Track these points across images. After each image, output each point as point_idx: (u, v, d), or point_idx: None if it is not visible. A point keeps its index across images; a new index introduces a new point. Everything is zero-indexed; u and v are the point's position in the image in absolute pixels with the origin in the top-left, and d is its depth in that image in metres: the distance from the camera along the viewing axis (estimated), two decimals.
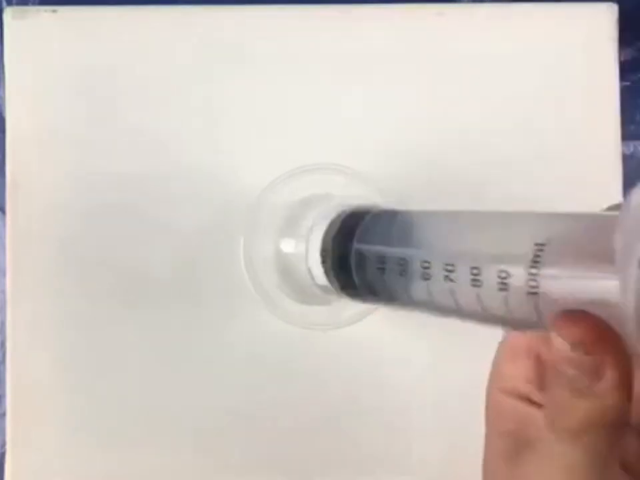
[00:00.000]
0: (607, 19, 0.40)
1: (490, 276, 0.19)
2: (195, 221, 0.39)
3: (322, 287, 0.27)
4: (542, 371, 0.22)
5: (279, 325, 0.35)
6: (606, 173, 0.40)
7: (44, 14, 0.39)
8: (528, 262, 0.18)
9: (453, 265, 0.20)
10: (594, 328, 0.17)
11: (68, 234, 0.39)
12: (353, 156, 0.38)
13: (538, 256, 0.18)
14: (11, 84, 0.39)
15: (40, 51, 0.39)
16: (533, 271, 0.18)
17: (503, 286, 0.19)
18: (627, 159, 0.41)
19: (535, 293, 0.18)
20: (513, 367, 0.23)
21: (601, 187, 0.40)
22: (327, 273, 0.26)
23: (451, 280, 0.20)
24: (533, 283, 0.18)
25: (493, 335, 0.35)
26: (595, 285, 0.16)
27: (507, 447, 0.22)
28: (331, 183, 0.36)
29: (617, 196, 0.40)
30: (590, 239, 0.17)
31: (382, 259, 0.23)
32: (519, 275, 0.18)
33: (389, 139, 0.40)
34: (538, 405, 0.22)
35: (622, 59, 0.41)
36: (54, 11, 0.39)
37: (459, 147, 0.40)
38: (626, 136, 0.40)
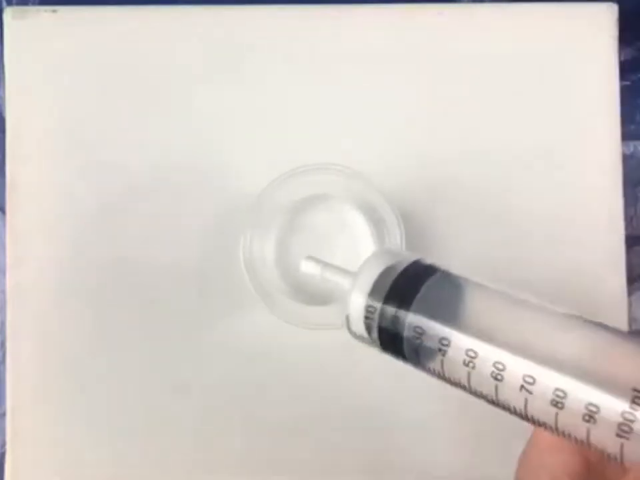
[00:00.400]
0: (607, 19, 0.40)
1: (577, 404, 0.19)
2: (195, 220, 0.39)
3: (354, 334, 0.26)
4: (584, 468, 0.22)
5: (278, 325, 0.35)
6: (606, 173, 0.40)
7: (44, 14, 0.39)
8: (627, 405, 0.18)
9: (532, 378, 0.20)
10: None
11: (68, 234, 0.39)
12: (353, 155, 0.38)
13: (637, 403, 0.18)
14: (10, 84, 0.39)
15: (40, 50, 0.39)
16: (629, 416, 0.18)
17: (589, 418, 0.19)
18: (626, 159, 0.41)
19: (625, 437, 0.18)
20: (553, 458, 0.23)
21: (601, 187, 0.40)
22: (368, 328, 0.25)
23: (529, 392, 0.20)
24: (625, 428, 0.18)
25: None
26: None
27: None
28: (331, 183, 0.36)
29: (617, 196, 0.40)
30: None
31: (445, 341, 0.22)
32: (610, 414, 0.18)
33: (389, 138, 0.40)
34: None
35: (622, 58, 0.41)
36: (54, 11, 0.39)
37: (458, 146, 0.40)
38: (626, 136, 0.40)
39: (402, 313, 0.23)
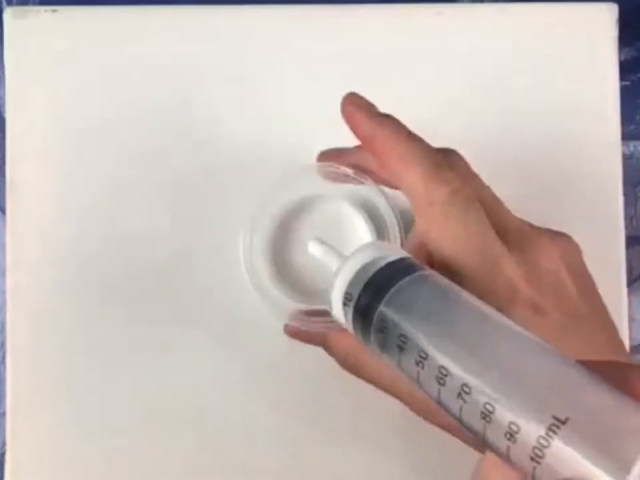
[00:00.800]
0: (607, 19, 0.40)
1: (502, 420, 0.19)
2: (196, 220, 0.39)
3: (334, 317, 0.27)
4: None
5: (277, 324, 0.35)
6: (606, 173, 0.40)
7: (44, 14, 0.39)
8: (542, 431, 0.18)
9: (468, 388, 0.20)
10: None
11: (68, 234, 0.39)
12: None
13: (553, 431, 0.18)
14: (10, 84, 0.39)
15: (40, 50, 0.39)
16: (543, 442, 0.18)
17: (510, 436, 0.19)
18: (626, 159, 0.41)
19: (537, 462, 0.18)
20: (498, 473, 0.23)
21: (601, 187, 0.40)
22: (345, 314, 0.26)
23: (464, 400, 0.21)
24: (538, 452, 0.18)
25: None
26: None
27: None
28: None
29: (616, 196, 0.40)
30: (608, 436, 0.17)
31: (403, 338, 0.23)
32: (528, 437, 0.18)
33: None
34: None
35: (622, 58, 0.41)
36: (54, 11, 0.39)
37: (458, 146, 0.40)
38: (626, 136, 0.40)
39: (373, 305, 0.24)
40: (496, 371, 0.20)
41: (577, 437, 0.18)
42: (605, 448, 0.17)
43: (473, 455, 0.35)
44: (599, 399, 0.18)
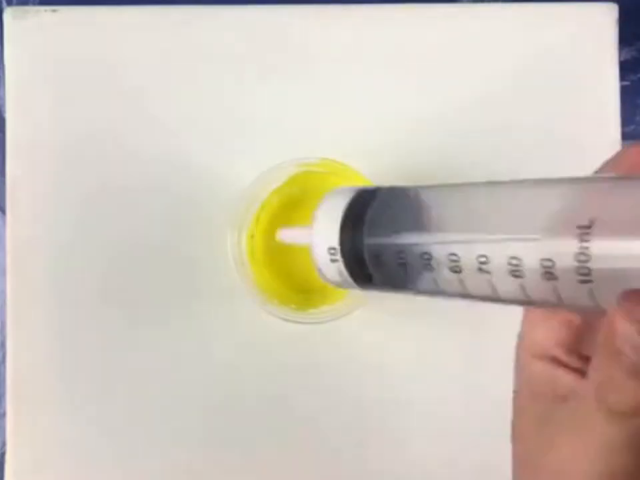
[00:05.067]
0: (607, 19, 0.40)
1: (533, 263, 0.18)
2: (195, 220, 0.39)
3: (331, 281, 0.26)
4: (573, 335, 0.22)
5: (269, 321, 0.35)
6: None
7: (44, 14, 0.39)
8: (576, 245, 0.17)
9: (483, 256, 0.19)
10: None
11: (68, 234, 0.39)
12: (351, 154, 0.38)
13: (585, 239, 0.17)
14: (10, 84, 0.39)
15: (40, 50, 0.39)
16: (583, 256, 0.17)
17: (549, 275, 0.18)
18: None
19: (588, 281, 0.17)
20: (543, 331, 0.23)
21: None
22: (340, 273, 0.25)
23: (487, 272, 0.19)
24: (584, 271, 0.17)
25: (487, 330, 0.35)
26: None
27: (539, 409, 0.22)
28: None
29: None
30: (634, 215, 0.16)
31: (400, 253, 0.22)
32: (567, 260, 0.17)
33: (389, 137, 0.40)
34: (567, 367, 0.22)
35: (622, 58, 0.41)
36: (54, 11, 0.39)
37: (458, 146, 0.40)
38: (626, 136, 0.40)
39: (358, 241, 0.24)
40: (494, 217, 0.19)
41: (609, 229, 0.16)
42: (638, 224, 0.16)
43: (472, 453, 0.36)
44: (604, 192, 0.17)
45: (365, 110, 0.40)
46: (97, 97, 0.39)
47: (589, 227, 0.17)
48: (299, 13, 0.40)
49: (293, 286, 0.38)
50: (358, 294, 0.35)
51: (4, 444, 0.39)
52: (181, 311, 0.39)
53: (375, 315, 0.39)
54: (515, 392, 0.23)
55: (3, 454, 0.38)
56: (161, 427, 0.39)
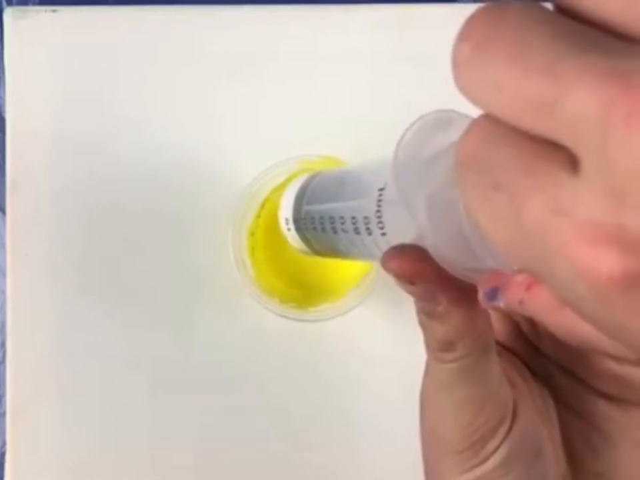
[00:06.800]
0: None
1: (366, 222, 0.21)
2: (195, 217, 0.39)
3: (300, 250, 0.30)
4: None
5: (268, 317, 0.35)
6: None
7: (44, 14, 0.39)
8: (375, 207, 0.20)
9: (355, 219, 0.22)
10: (412, 261, 0.18)
11: (68, 234, 0.39)
12: (348, 151, 0.38)
13: (380, 200, 0.20)
14: (11, 84, 0.39)
15: (40, 50, 0.39)
16: (379, 214, 0.20)
17: (369, 230, 0.21)
18: None
19: (384, 234, 0.20)
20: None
21: None
22: (293, 238, 0.29)
23: (361, 232, 0.22)
24: (381, 225, 0.20)
25: None
26: (414, 222, 0.18)
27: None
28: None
29: None
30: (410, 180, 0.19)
31: (320, 219, 0.26)
32: (373, 218, 0.21)
33: (387, 137, 0.40)
34: None
35: None
36: (54, 11, 0.39)
37: None
38: None
39: (300, 213, 0.28)
40: (352, 188, 0.24)
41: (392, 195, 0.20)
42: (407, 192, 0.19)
43: None
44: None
45: (366, 108, 0.40)
46: (97, 97, 0.39)
47: (382, 188, 0.20)
48: (298, 14, 0.40)
49: (293, 284, 0.38)
50: (357, 292, 0.35)
51: (4, 444, 0.38)
52: (181, 308, 0.39)
53: (375, 313, 0.39)
54: None
55: (3, 454, 0.38)
56: (161, 426, 0.39)
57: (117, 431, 0.39)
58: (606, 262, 0.11)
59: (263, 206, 0.36)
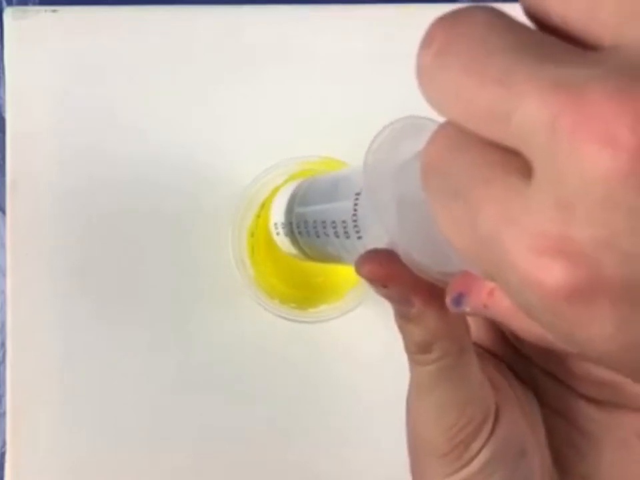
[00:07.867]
0: None
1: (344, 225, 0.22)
2: (195, 218, 0.39)
3: (291, 254, 0.31)
4: None
5: (268, 318, 0.35)
6: None
7: (44, 14, 0.39)
8: (352, 211, 0.21)
9: (334, 222, 0.23)
10: (383, 264, 0.18)
11: (68, 234, 0.39)
12: (349, 152, 0.38)
13: (356, 204, 0.21)
14: (11, 84, 0.39)
15: (40, 50, 0.39)
16: (355, 218, 0.21)
17: (347, 234, 0.22)
18: None
19: (360, 237, 0.21)
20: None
21: None
22: (282, 242, 0.30)
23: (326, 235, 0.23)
24: (357, 228, 0.21)
25: None
26: (383, 227, 0.18)
27: None
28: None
29: None
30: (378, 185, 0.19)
31: (305, 223, 0.27)
32: (349, 222, 0.21)
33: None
34: None
35: None
36: (54, 11, 0.39)
37: None
38: None
39: (291, 216, 0.28)
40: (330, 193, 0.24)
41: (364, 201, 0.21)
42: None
43: None
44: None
45: (365, 108, 0.40)
46: (97, 97, 0.39)
47: (359, 193, 0.21)
48: (298, 14, 0.40)
49: (293, 285, 0.38)
50: (357, 293, 0.35)
51: (4, 444, 0.38)
52: (181, 308, 0.39)
53: (375, 314, 0.39)
54: None
55: (3, 454, 0.38)
56: (161, 426, 0.39)
57: (117, 431, 0.39)
58: (552, 274, 0.11)
59: (263, 206, 0.36)
